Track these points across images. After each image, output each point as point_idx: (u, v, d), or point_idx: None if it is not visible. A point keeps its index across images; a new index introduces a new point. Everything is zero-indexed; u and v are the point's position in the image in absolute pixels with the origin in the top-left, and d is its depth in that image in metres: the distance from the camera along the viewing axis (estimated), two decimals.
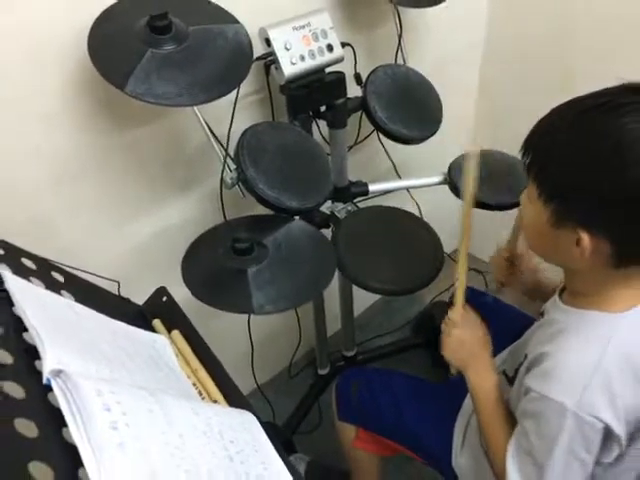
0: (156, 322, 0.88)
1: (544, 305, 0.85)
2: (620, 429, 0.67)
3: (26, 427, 0.46)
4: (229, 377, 0.80)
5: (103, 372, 0.58)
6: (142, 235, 1.12)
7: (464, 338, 0.89)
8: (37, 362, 0.55)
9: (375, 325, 1.86)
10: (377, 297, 1.92)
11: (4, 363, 0.52)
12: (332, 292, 1.55)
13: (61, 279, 0.77)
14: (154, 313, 0.90)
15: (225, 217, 1.13)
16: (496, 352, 0.93)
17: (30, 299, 0.62)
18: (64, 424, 0.49)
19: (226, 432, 0.64)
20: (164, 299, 0.91)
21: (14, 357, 0.53)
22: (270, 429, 1.51)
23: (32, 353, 0.56)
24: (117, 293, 0.90)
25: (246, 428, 0.69)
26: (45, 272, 0.75)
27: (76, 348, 0.58)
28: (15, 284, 0.63)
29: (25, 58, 0.88)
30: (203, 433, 0.60)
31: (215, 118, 1.04)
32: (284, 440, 1.45)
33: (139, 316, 0.90)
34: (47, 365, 0.53)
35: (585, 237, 0.64)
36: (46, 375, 0.52)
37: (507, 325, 0.97)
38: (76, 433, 0.48)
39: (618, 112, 0.61)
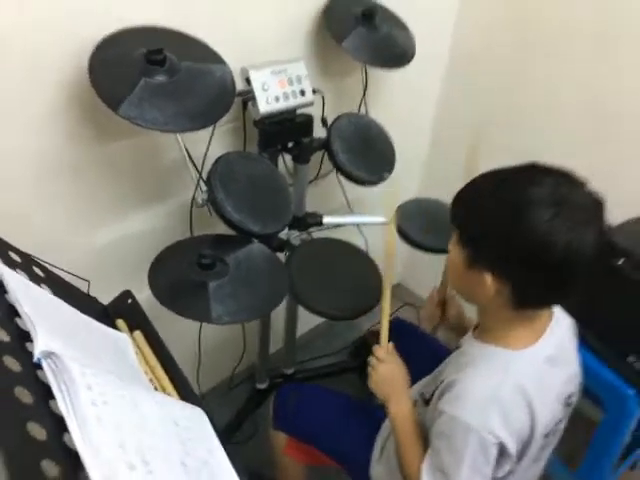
0: (119, 322, 0.97)
1: (461, 339, 0.99)
2: (512, 446, 0.81)
3: (23, 394, 0.54)
4: (184, 376, 0.89)
5: (83, 358, 0.68)
6: (112, 239, 1.21)
7: (387, 375, 1.02)
8: (27, 344, 0.64)
9: (315, 347, 1.98)
10: (320, 320, 2.04)
11: (2, 340, 0.60)
12: (278, 312, 1.65)
13: (41, 274, 0.85)
14: (118, 313, 0.98)
15: (192, 231, 1.23)
16: (419, 377, 1.07)
17: (21, 289, 0.71)
18: (51, 397, 0.58)
19: (180, 420, 0.74)
20: (129, 301, 1.00)
21: (10, 336, 0.62)
22: None
23: (23, 337, 0.64)
24: (87, 291, 0.98)
25: (196, 420, 0.79)
26: (28, 266, 0.83)
27: (61, 335, 0.67)
28: (9, 274, 0.72)
29: (25, 66, 0.96)
30: (161, 419, 0.70)
31: (192, 141, 1.15)
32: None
33: (103, 315, 0.98)
34: (38, 346, 0.62)
35: (489, 279, 0.79)
36: (37, 355, 0.61)
37: (430, 354, 1.12)
38: (62, 406, 0.57)
39: (523, 186, 0.77)
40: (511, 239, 0.76)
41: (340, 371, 1.91)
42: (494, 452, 0.81)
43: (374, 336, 1.89)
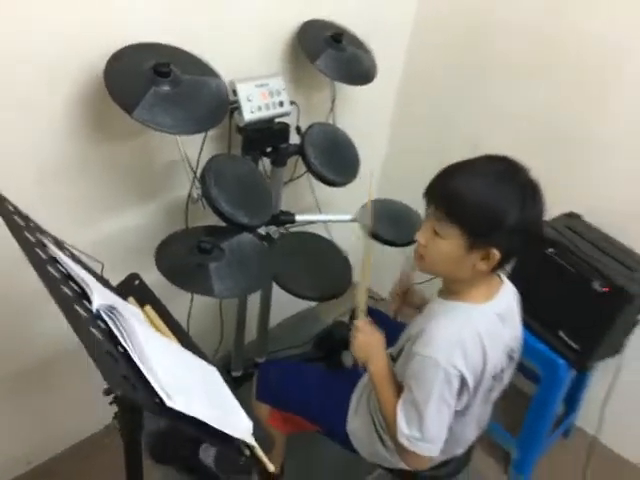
0: (130, 299, 1.10)
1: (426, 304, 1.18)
2: (470, 379, 1.01)
3: (96, 333, 0.69)
4: (194, 342, 1.04)
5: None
6: (114, 231, 1.35)
7: (365, 341, 1.18)
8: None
9: (285, 338, 2.13)
10: (289, 314, 2.21)
11: (69, 294, 0.74)
12: (253, 306, 1.82)
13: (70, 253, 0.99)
14: (128, 293, 1.12)
15: (187, 224, 1.38)
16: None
17: (69, 261, 0.85)
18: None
19: (207, 374, 0.89)
20: (136, 282, 1.14)
21: (72, 293, 0.76)
22: None
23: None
24: (100, 273, 1.11)
25: (212, 373, 0.94)
26: (61, 246, 0.96)
27: (106, 296, 0.82)
28: (56, 251, 0.85)
29: (43, 74, 1.10)
30: (192, 361, 0.85)
31: (185, 144, 1.30)
32: None
33: (117, 293, 1.11)
34: (96, 301, 0.76)
35: (496, 252, 0.98)
36: (96, 307, 0.76)
37: (393, 330, 1.31)
38: (123, 341, 0.72)
39: (504, 193, 0.96)
40: (502, 225, 0.96)
41: (307, 360, 2.07)
42: (456, 384, 1.00)
43: (338, 326, 2.08)
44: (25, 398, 1.48)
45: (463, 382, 1.01)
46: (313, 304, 2.35)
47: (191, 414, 0.69)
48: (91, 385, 1.53)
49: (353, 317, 1.31)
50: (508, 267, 1.48)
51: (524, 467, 1.79)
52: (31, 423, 1.54)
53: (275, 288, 1.77)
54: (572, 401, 1.90)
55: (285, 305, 2.14)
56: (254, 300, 1.82)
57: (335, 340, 1.95)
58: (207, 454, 1.60)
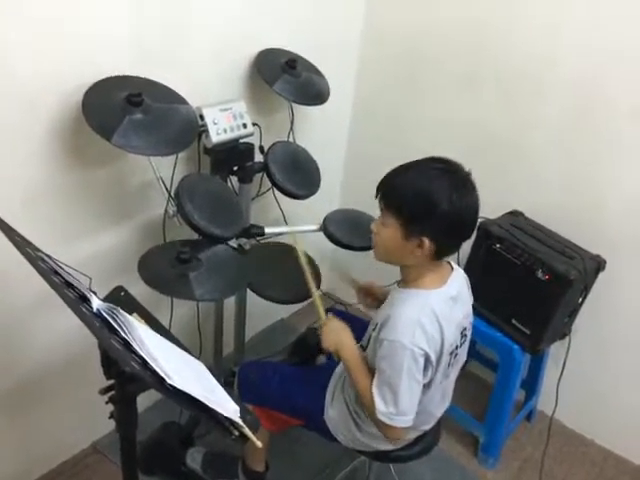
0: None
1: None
2: (432, 356, 1.14)
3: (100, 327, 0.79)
4: (182, 344, 1.13)
5: None
6: (97, 248, 1.44)
7: (331, 331, 1.31)
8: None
9: (260, 349, 2.22)
10: (263, 326, 2.32)
11: (72, 296, 0.84)
12: (229, 320, 1.91)
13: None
14: (115, 304, 1.21)
15: (165, 238, 1.48)
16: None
17: (64, 271, 0.94)
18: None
19: (195, 365, 0.99)
20: (122, 294, 1.23)
21: (74, 295, 0.85)
22: (173, 426, 1.83)
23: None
24: (88, 287, 1.20)
25: (200, 366, 1.04)
26: (52, 262, 1.05)
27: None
28: (51, 260, 0.95)
29: (23, 106, 1.20)
30: (182, 354, 0.95)
31: (159, 165, 1.41)
32: (185, 435, 1.74)
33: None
34: (95, 303, 0.86)
35: (426, 240, 1.11)
36: (96, 307, 0.85)
37: (358, 326, 1.43)
38: (123, 334, 0.82)
39: (436, 184, 1.10)
40: (433, 213, 1.09)
41: None
42: (422, 362, 1.13)
43: (312, 332, 2.18)
44: (11, 417, 1.53)
45: (427, 359, 1.14)
46: (285, 316, 2.46)
47: (188, 392, 0.79)
48: (76, 404, 1.60)
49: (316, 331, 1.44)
50: (461, 259, 1.66)
51: (491, 450, 1.92)
52: (17, 443, 1.58)
53: (248, 301, 1.88)
54: (531, 386, 2.06)
55: (259, 318, 2.24)
56: (230, 313, 1.92)
57: (310, 346, 2.05)
58: (194, 459, 1.68)
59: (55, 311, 1.43)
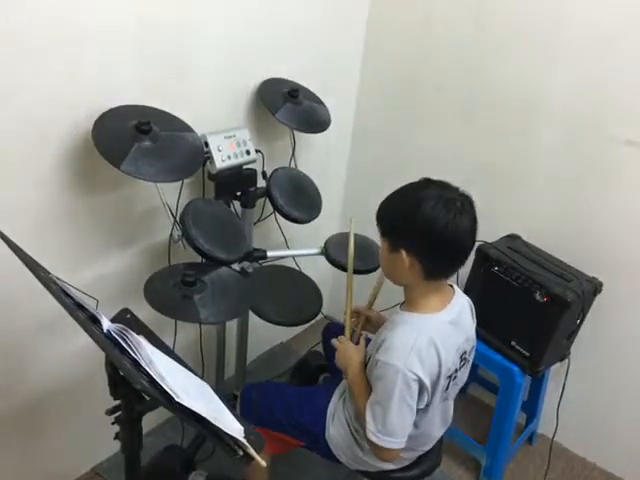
0: None
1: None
2: (427, 382, 1.15)
3: (111, 346, 0.81)
4: (188, 365, 1.15)
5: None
6: (104, 272, 1.47)
7: (343, 354, 1.34)
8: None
9: (262, 372, 2.24)
10: (265, 349, 2.33)
11: (82, 317, 0.87)
12: (230, 344, 1.93)
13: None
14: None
15: (170, 262, 1.51)
16: None
17: (76, 294, 0.97)
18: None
19: (200, 386, 1.01)
20: (128, 316, 1.25)
21: (85, 316, 0.88)
22: (175, 449, 1.83)
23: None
24: (95, 309, 1.23)
25: (206, 387, 1.06)
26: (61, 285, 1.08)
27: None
28: (64, 284, 0.98)
29: (34, 134, 1.25)
30: (189, 374, 0.97)
31: (164, 191, 1.45)
32: (187, 458, 1.74)
33: None
34: (105, 324, 0.89)
35: (403, 253, 1.14)
36: (106, 328, 0.88)
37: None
38: (132, 354, 0.85)
39: (418, 190, 1.15)
40: (412, 224, 1.13)
41: None
42: (415, 387, 1.14)
43: (313, 355, 2.20)
44: (10, 442, 1.53)
45: (421, 384, 1.16)
46: (284, 340, 2.47)
47: (195, 410, 0.81)
48: (76, 428, 1.61)
49: (326, 342, 1.46)
50: (460, 282, 1.68)
51: (493, 473, 1.92)
52: (17, 467, 1.58)
53: (250, 325, 1.90)
54: (531, 409, 2.06)
55: (259, 342, 2.25)
56: (231, 336, 1.94)
57: (311, 368, 2.07)
58: None
59: (55, 336, 1.46)
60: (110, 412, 1.02)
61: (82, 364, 1.53)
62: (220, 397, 1.09)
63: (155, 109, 1.39)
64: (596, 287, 1.76)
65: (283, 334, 2.44)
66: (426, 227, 1.12)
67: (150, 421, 1.89)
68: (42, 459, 1.63)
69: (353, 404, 1.31)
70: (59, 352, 1.49)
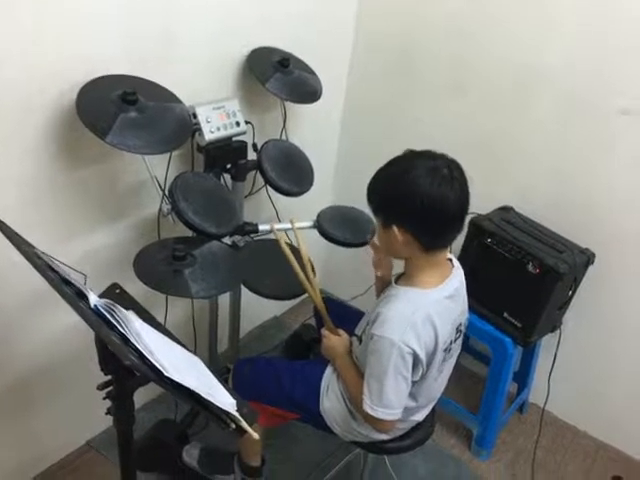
0: None
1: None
2: (422, 355, 1.15)
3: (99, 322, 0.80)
4: (179, 340, 1.14)
5: None
6: (92, 247, 1.45)
7: (328, 345, 1.37)
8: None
9: (254, 346, 2.24)
10: (258, 323, 2.33)
11: (70, 293, 0.85)
12: (223, 318, 1.92)
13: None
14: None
15: (159, 236, 1.49)
16: (351, 328, 1.39)
17: (62, 268, 0.95)
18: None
19: (192, 360, 1.00)
20: (117, 291, 1.24)
21: (72, 292, 0.86)
22: (168, 423, 1.84)
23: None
24: (84, 284, 1.21)
25: (197, 360, 1.05)
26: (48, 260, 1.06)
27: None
28: (50, 259, 0.96)
29: (18, 106, 1.21)
30: (180, 349, 0.96)
31: (153, 164, 1.42)
32: (181, 432, 1.75)
33: None
34: (92, 299, 0.87)
35: (395, 228, 1.12)
36: (94, 303, 0.86)
37: (351, 315, 1.46)
38: (120, 328, 0.83)
39: (403, 169, 1.12)
40: (397, 198, 1.11)
41: None
42: (410, 359, 1.14)
43: (306, 328, 2.20)
44: (5, 417, 1.53)
45: (416, 358, 1.16)
46: (278, 313, 2.47)
47: (185, 384, 0.80)
48: (70, 402, 1.61)
49: (317, 316, 1.46)
50: (453, 254, 1.67)
51: (485, 442, 1.95)
52: (12, 442, 1.59)
53: (243, 299, 1.89)
54: (523, 379, 2.08)
55: (252, 316, 2.25)
56: (224, 310, 1.93)
57: (304, 342, 2.07)
58: (190, 455, 1.69)
59: (49, 310, 1.44)
60: (101, 387, 1.01)
61: (75, 338, 1.51)
62: (212, 371, 1.08)
63: (141, 79, 1.35)
64: (588, 258, 1.76)
65: (276, 308, 2.44)
66: (411, 199, 1.09)
67: (143, 396, 1.89)
68: (37, 433, 1.63)
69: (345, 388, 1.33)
70: (50, 327, 1.48)
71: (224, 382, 1.04)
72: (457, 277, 1.26)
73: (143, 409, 1.87)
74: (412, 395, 1.25)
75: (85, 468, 1.74)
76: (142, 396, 1.87)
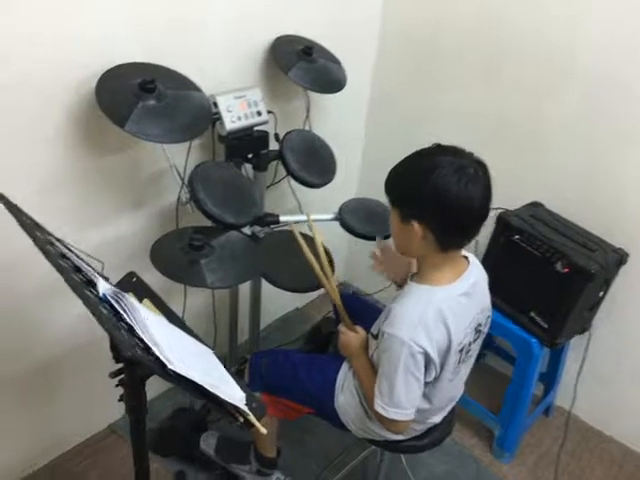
0: (129, 294, 1.20)
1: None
2: (434, 355, 1.12)
3: (105, 311, 0.79)
4: (192, 330, 1.14)
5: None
6: (110, 235, 1.46)
7: (344, 342, 1.34)
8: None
9: (275, 338, 2.23)
10: (280, 314, 2.32)
11: (79, 280, 0.85)
12: (243, 309, 1.92)
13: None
14: (126, 290, 1.22)
15: (177, 225, 1.49)
16: (368, 325, 1.36)
17: (75, 256, 0.95)
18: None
19: (204, 353, 0.99)
20: (134, 280, 1.24)
21: (81, 280, 0.86)
22: (186, 411, 1.85)
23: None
24: (101, 272, 1.21)
25: (210, 354, 1.04)
26: (64, 246, 1.07)
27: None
28: (62, 245, 0.96)
29: (39, 93, 1.21)
30: (189, 340, 0.95)
31: (172, 153, 1.42)
32: (198, 420, 1.76)
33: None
34: (101, 287, 0.87)
35: (415, 224, 1.08)
36: (102, 292, 0.86)
37: (368, 309, 1.44)
38: (127, 318, 0.82)
39: (429, 164, 1.07)
40: (421, 194, 1.07)
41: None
42: (421, 359, 1.11)
43: (326, 321, 2.19)
44: (29, 400, 1.57)
45: (427, 358, 1.12)
46: (300, 305, 2.46)
47: (189, 377, 0.79)
48: (93, 386, 1.63)
49: (336, 311, 1.44)
50: (479, 251, 1.62)
51: (507, 444, 1.90)
52: (35, 425, 1.62)
53: (263, 290, 1.88)
54: (550, 380, 2.02)
55: (274, 307, 2.24)
56: (244, 302, 1.92)
57: (324, 335, 2.05)
58: (208, 444, 1.70)
59: (70, 295, 1.45)
60: (113, 375, 1.01)
61: (94, 324, 1.53)
62: (228, 365, 1.07)
63: (160, 67, 1.34)
64: (621, 258, 1.69)
65: (299, 300, 2.43)
66: (436, 197, 1.05)
67: (161, 384, 1.91)
68: (58, 417, 1.66)
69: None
70: (71, 312, 1.49)
71: (236, 376, 1.03)
72: (473, 273, 1.21)
73: (161, 397, 1.88)
74: (426, 396, 1.21)
75: (106, 451, 1.77)
76: (161, 384, 1.89)
